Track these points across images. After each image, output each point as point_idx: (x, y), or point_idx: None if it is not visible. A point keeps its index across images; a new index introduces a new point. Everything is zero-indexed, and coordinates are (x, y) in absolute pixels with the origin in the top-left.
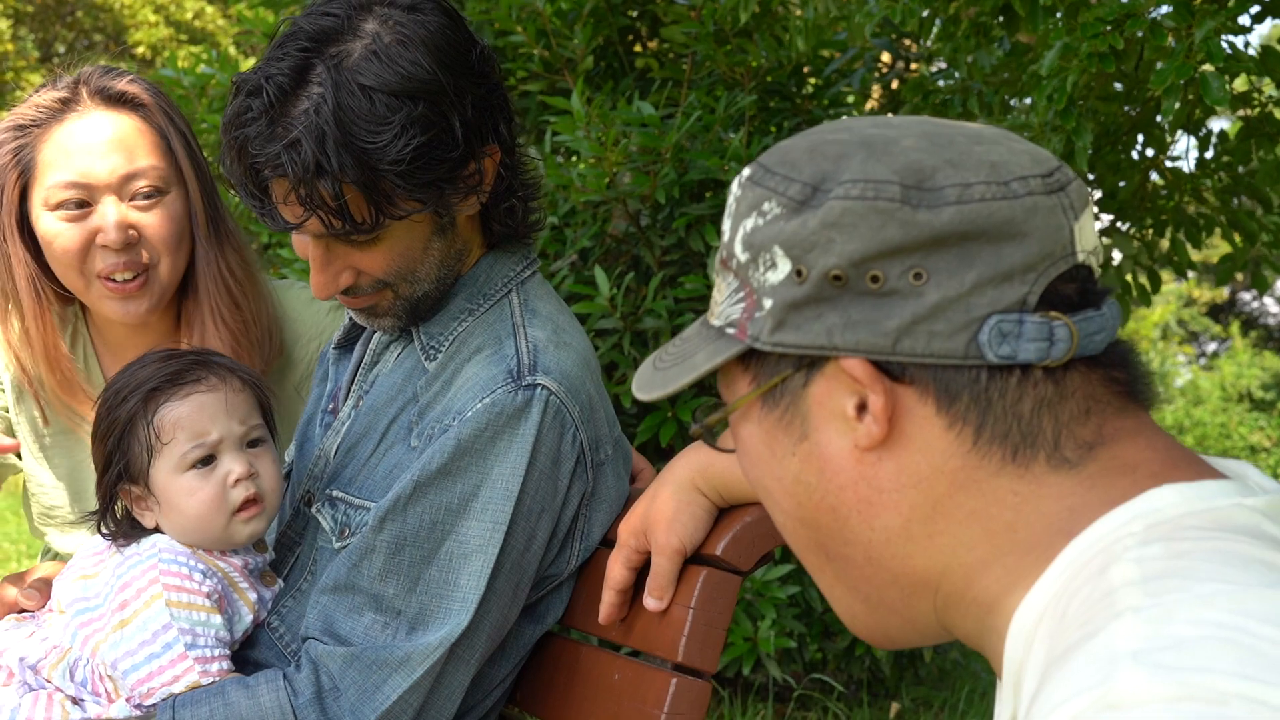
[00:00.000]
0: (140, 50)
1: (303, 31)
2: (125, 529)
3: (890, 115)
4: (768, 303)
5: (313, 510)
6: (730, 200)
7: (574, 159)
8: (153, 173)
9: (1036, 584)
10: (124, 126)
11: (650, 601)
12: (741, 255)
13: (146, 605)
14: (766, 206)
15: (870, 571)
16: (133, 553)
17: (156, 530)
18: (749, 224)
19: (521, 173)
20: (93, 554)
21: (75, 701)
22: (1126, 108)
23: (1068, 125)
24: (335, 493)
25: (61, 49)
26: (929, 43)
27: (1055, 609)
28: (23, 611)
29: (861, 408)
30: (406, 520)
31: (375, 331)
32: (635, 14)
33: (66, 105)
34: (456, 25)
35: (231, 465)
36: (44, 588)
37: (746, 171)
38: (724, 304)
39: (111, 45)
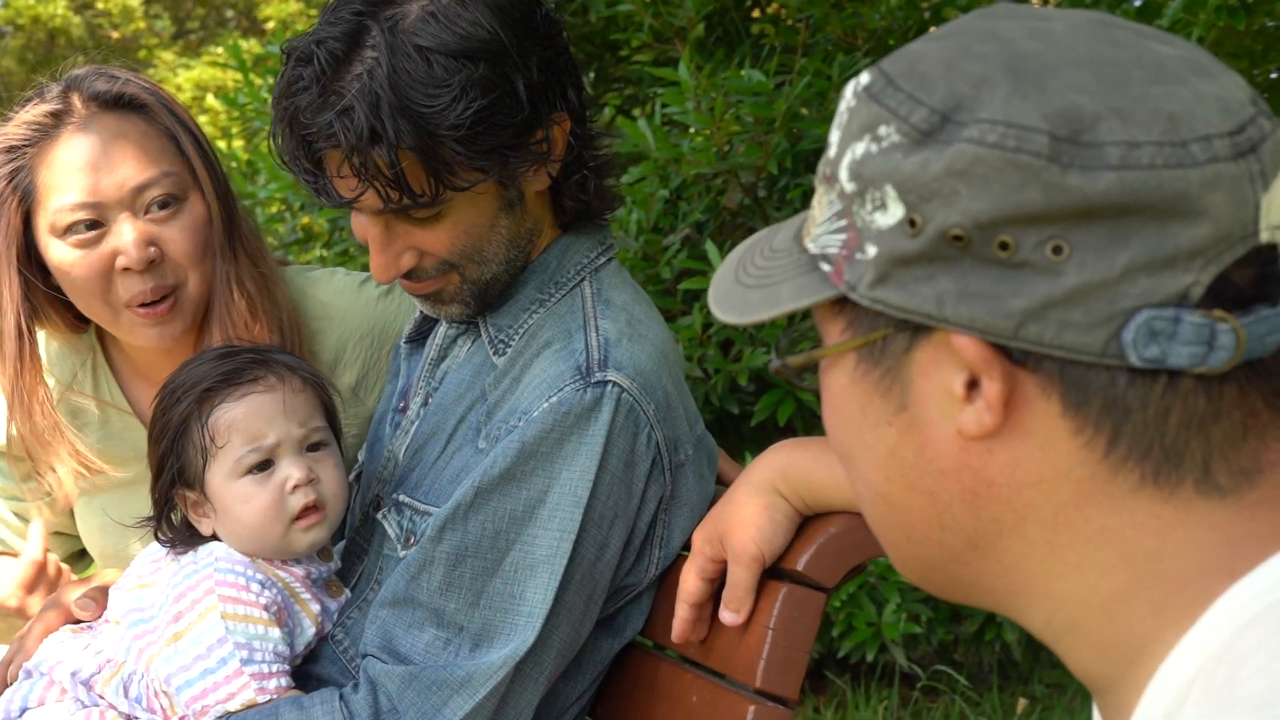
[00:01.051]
0: (271, 25)
1: None
2: (183, 536)
3: (1055, 10)
4: (871, 249)
5: (379, 516)
6: (842, 109)
7: (686, 130)
8: (166, 179)
9: (1192, 631)
10: (128, 132)
11: (727, 615)
12: (848, 184)
13: (201, 617)
14: (883, 131)
15: (970, 558)
16: (189, 561)
17: (214, 538)
18: (859, 149)
19: (594, 144)
20: (150, 561)
21: (129, 719)
22: (1256, 72)
23: None
24: (402, 497)
25: (194, 26)
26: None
27: (1221, 670)
28: (79, 622)
29: (972, 385)
30: (468, 530)
31: (443, 324)
32: None
33: (60, 118)
34: None
35: (290, 470)
36: (100, 597)
37: (865, 78)
38: (822, 227)
39: (243, 21)
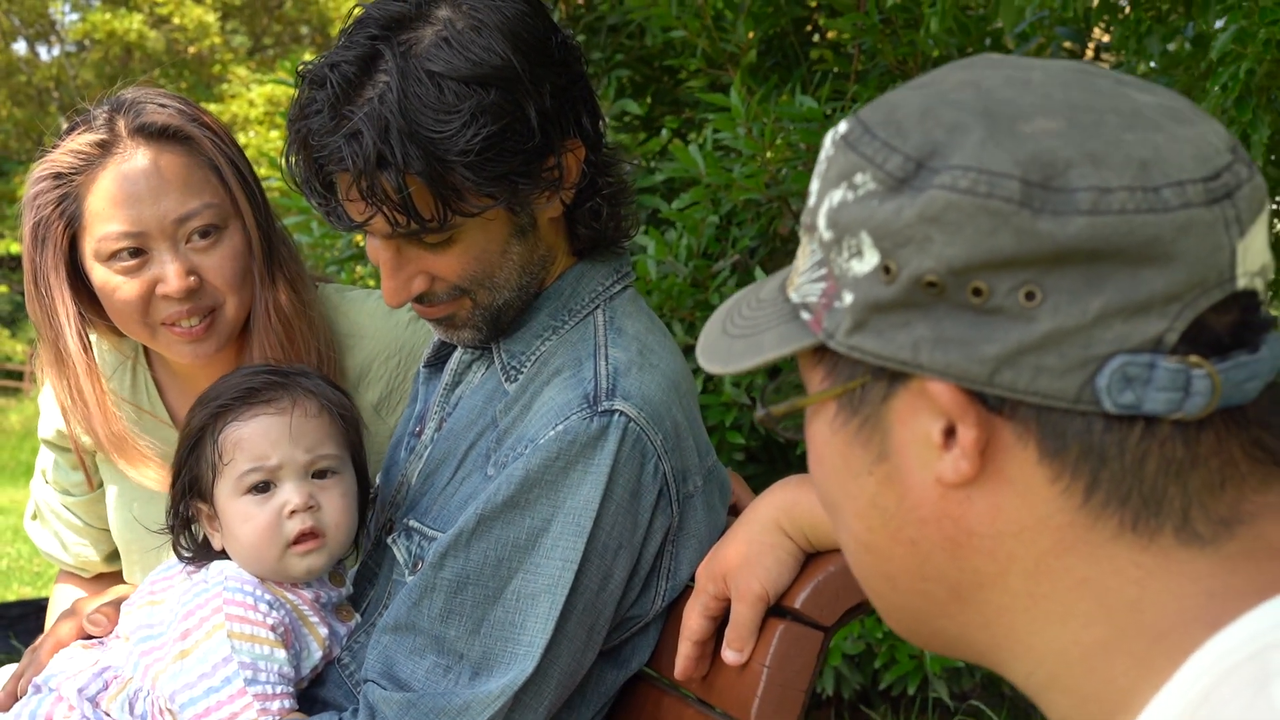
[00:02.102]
0: None
1: (372, 19)
2: (200, 550)
3: (1036, 60)
4: (848, 297)
5: (389, 540)
6: (821, 158)
7: (738, 156)
8: (207, 211)
9: (1171, 681)
10: (171, 165)
11: (729, 654)
12: (825, 232)
13: (208, 636)
14: (859, 179)
15: (954, 609)
16: (199, 579)
17: (224, 555)
18: (837, 196)
19: (609, 172)
20: (163, 578)
21: None
22: None
23: (1243, 117)
24: (411, 522)
25: (269, 41)
26: (1101, 34)
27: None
28: (92, 636)
29: (950, 432)
30: (470, 557)
31: (459, 350)
32: (814, 3)
33: (106, 148)
34: (536, 12)
35: (289, 495)
36: (113, 613)
37: (843, 126)
38: (804, 275)
39: (317, 37)
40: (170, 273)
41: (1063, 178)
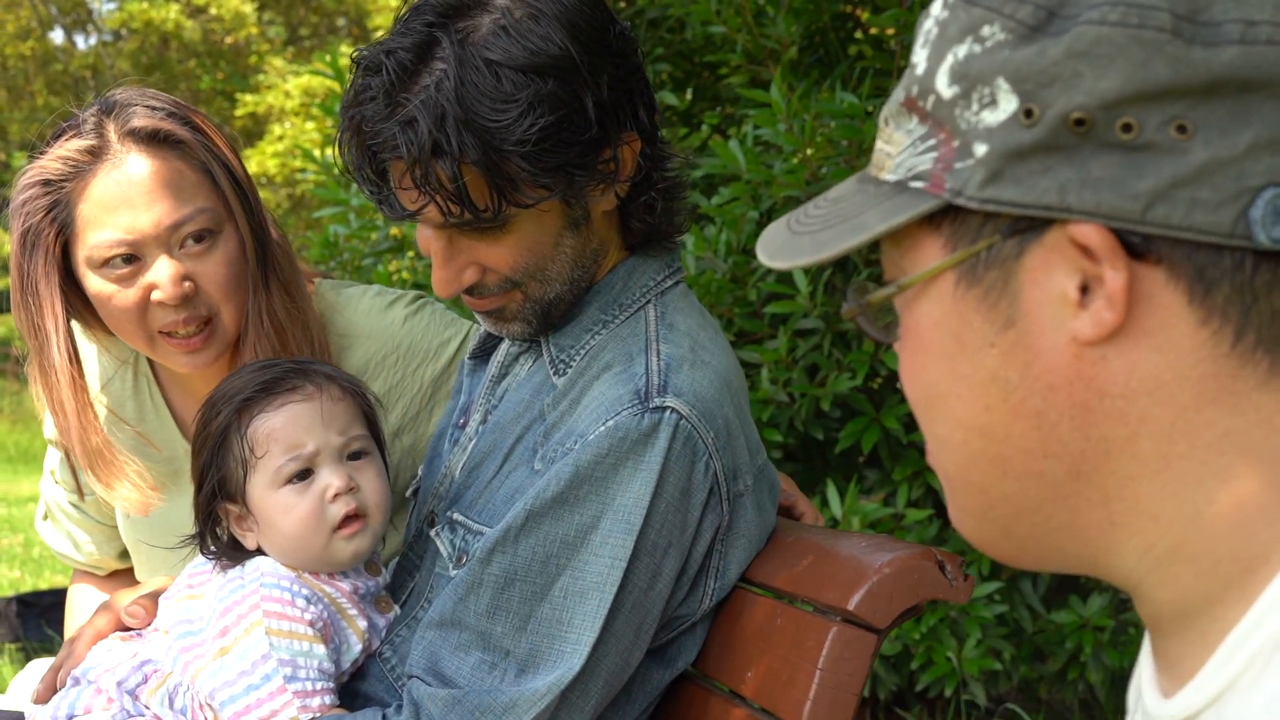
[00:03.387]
0: (380, 34)
1: (429, 6)
2: (228, 551)
3: None
4: (980, 149)
5: (432, 533)
6: (928, 26)
7: (778, 152)
8: (201, 216)
9: None
10: (163, 170)
11: None
12: (946, 90)
13: (246, 633)
14: (987, 31)
15: (1069, 490)
16: (235, 576)
17: (259, 552)
18: (961, 51)
19: (664, 166)
20: (200, 571)
21: None
22: None
23: None
24: (456, 515)
25: (306, 33)
26: None
27: None
28: (129, 628)
29: (1085, 290)
30: (518, 553)
31: (506, 342)
32: None
33: (96, 154)
34: (594, 1)
35: (330, 479)
36: (150, 605)
37: None
38: (904, 154)
39: (354, 29)
40: (165, 279)
41: (1208, 11)
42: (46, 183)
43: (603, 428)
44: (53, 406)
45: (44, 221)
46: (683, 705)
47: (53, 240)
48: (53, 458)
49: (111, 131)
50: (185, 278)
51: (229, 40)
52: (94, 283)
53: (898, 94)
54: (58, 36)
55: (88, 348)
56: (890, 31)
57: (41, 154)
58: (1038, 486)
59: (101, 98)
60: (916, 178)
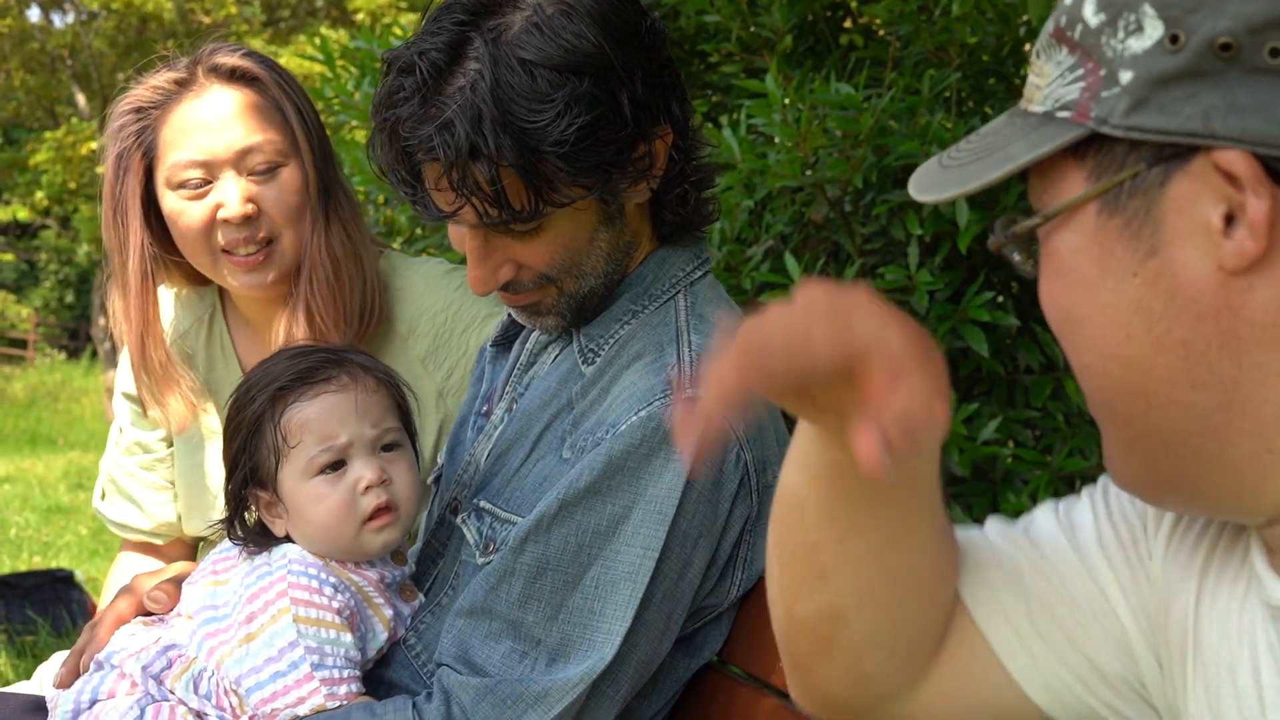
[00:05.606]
0: (360, 17)
1: (459, 4)
2: (256, 537)
3: None
4: (1125, 76)
5: (458, 520)
6: None
7: (772, 142)
8: (269, 146)
9: None
10: (239, 101)
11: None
12: (1093, 18)
13: (274, 620)
14: None
15: (1219, 420)
16: (262, 562)
17: (287, 539)
18: None
19: (695, 157)
20: (224, 557)
21: (198, 716)
22: None
23: None
24: (482, 503)
25: (285, 14)
26: None
27: None
28: (151, 614)
29: (1230, 220)
30: (550, 542)
31: (534, 330)
32: None
33: (183, 85)
34: None
35: (362, 471)
36: (173, 590)
37: None
38: (1053, 84)
39: (333, 11)
40: (232, 198)
41: None
42: (138, 110)
43: (635, 418)
44: (125, 316)
45: (134, 146)
46: (706, 694)
47: (139, 163)
48: (123, 415)
49: (199, 68)
50: (250, 199)
51: (207, 20)
52: (170, 201)
53: (1048, 25)
54: (34, 15)
55: (166, 301)
56: (879, 21)
57: (137, 85)
58: (1185, 419)
59: (196, 50)
60: (1063, 108)
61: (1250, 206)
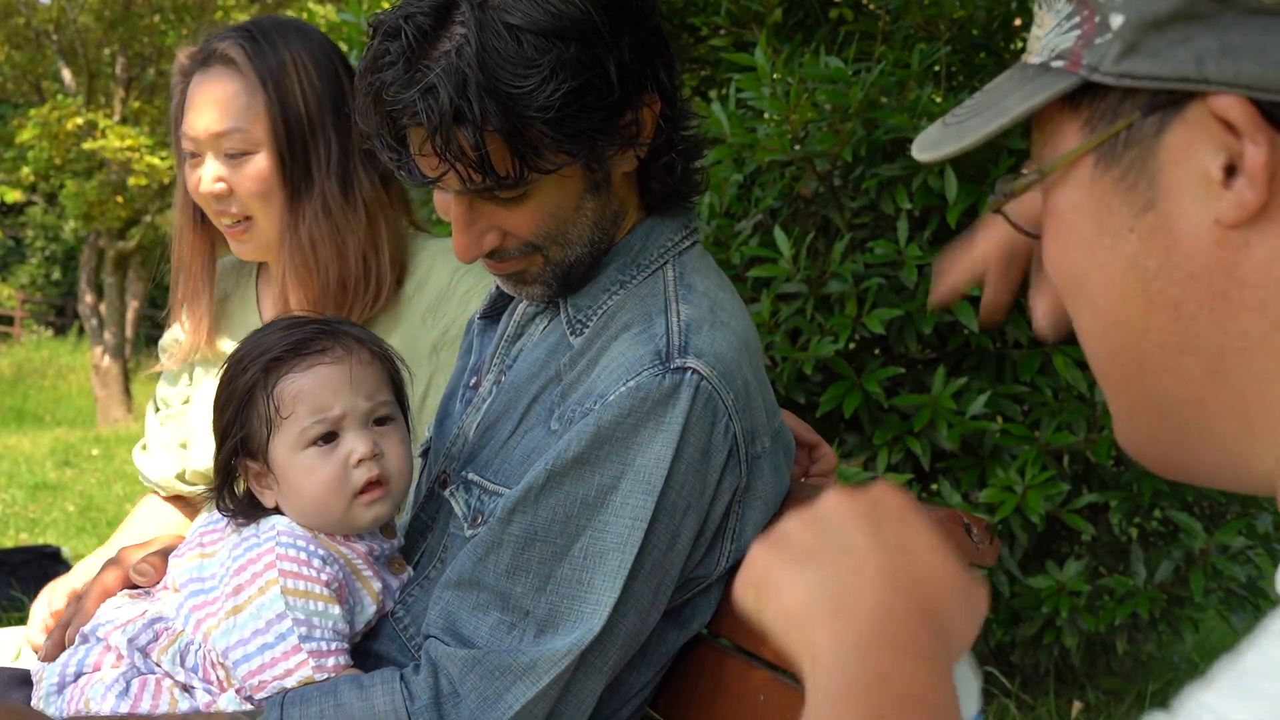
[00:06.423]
0: None
1: None
2: (244, 508)
3: None
4: (1116, 20)
5: (446, 493)
6: None
7: (762, 116)
8: (238, 135)
9: None
10: (221, 87)
11: None
12: None
13: (261, 592)
14: None
15: (1205, 392)
16: (250, 534)
17: (276, 510)
18: None
19: (683, 126)
20: (211, 529)
21: (185, 689)
22: None
23: None
24: (471, 475)
25: None
26: None
27: None
28: (137, 587)
29: (1230, 171)
30: (538, 513)
31: (521, 301)
32: None
33: (198, 59)
34: None
35: (354, 444)
36: (159, 563)
37: None
38: (1050, 34)
39: None
40: (206, 175)
41: None
42: (182, 70)
43: (623, 388)
44: (177, 231)
45: (180, 102)
46: (695, 667)
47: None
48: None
49: (215, 45)
50: (219, 179)
51: None
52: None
53: None
54: None
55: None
56: None
57: (188, 47)
58: (1176, 385)
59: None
60: (1058, 57)
61: (1248, 154)
